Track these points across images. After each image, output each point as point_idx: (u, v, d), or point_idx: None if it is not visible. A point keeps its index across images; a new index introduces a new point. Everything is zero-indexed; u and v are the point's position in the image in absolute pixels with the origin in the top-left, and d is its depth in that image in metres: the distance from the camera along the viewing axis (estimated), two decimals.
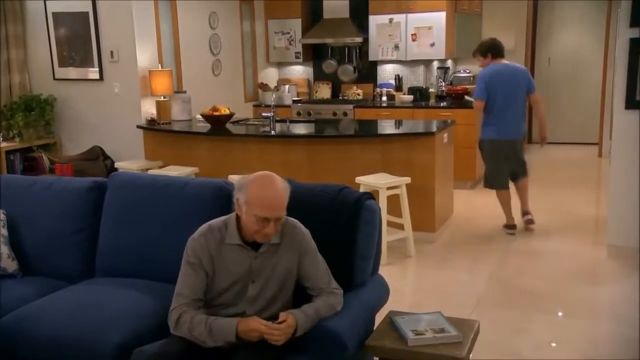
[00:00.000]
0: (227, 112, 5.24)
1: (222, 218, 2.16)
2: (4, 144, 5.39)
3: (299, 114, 7.21)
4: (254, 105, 7.45)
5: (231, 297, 2.11)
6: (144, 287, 2.49)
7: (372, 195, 2.53)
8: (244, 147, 5.12)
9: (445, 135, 4.99)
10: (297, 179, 5.06)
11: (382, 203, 4.29)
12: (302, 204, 2.44)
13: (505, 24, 7.85)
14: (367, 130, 5.47)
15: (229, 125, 5.38)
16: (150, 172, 4.82)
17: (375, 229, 2.46)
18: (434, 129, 4.82)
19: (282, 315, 2.03)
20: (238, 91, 7.09)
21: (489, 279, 4.07)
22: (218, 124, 5.24)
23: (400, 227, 4.52)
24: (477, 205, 5.92)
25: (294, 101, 7.44)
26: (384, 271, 4.13)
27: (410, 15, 6.93)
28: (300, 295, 2.20)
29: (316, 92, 7.91)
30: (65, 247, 2.74)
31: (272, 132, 5.09)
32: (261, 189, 2.03)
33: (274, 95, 5.41)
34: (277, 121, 5.45)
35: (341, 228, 2.37)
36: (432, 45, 6.92)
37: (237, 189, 2.07)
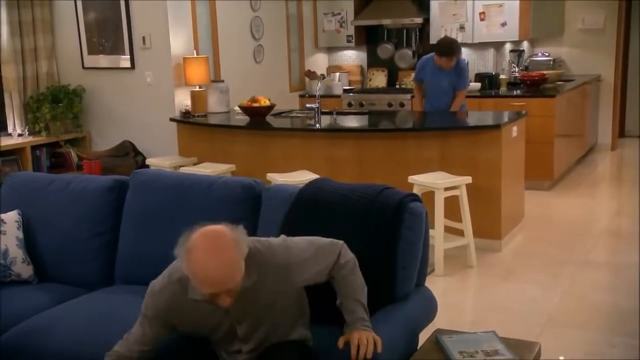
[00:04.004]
0: (268, 103, 5.29)
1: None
2: (29, 139, 5.63)
3: (349, 104, 7.19)
4: (300, 96, 7.48)
5: (221, 337, 2.09)
6: None
7: (417, 197, 2.49)
8: (285, 142, 5.14)
9: (515, 128, 4.86)
10: (344, 177, 5.07)
11: (439, 205, 4.23)
12: (337, 207, 2.44)
13: None
14: (423, 123, 5.40)
15: (269, 118, 5.42)
16: (182, 169, 4.93)
17: (421, 235, 2.42)
18: (501, 122, 4.70)
19: (342, 341, 2.05)
20: (283, 80, 7.15)
21: (563, 294, 3.94)
22: (257, 116, 5.30)
23: (460, 233, 4.44)
24: (553, 209, 5.75)
25: (344, 90, 7.43)
26: (439, 283, 4.13)
27: None
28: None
29: (370, 80, 7.87)
30: (83, 252, 2.83)
31: (317, 126, 5.10)
32: (200, 262, 1.83)
33: (319, 84, 5.41)
34: (323, 113, 5.44)
35: (380, 234, 2.34)
36: (504, 25, 6.76)
37: (178, 250, 1.91)
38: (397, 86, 7.54)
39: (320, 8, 7.64)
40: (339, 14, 7.55)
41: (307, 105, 5.34)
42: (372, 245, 2.33)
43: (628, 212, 5.45)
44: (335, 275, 2.11)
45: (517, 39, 6.89)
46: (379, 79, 7.81)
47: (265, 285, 2.00)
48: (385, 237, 2.34)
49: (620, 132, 8.52)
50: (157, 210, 2.74)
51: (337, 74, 7.69)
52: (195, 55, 5.63)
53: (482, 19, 6.84)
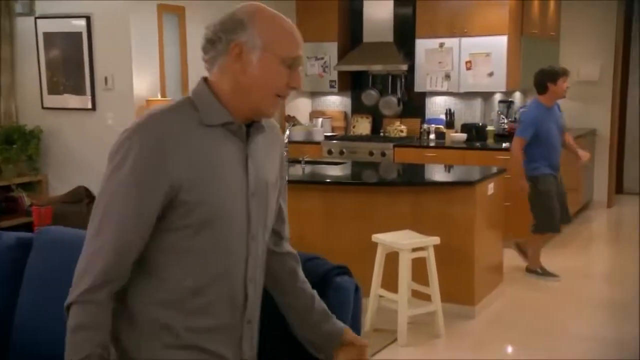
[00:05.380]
0: None
1: (174, 103, 1.59)
2: None
3: (329, 152, 7.01)
4: None
5: (236, 238, 1.58)
6: None
7: (345, 269, 2.24)
8: None
9: (492, 185, 4.63)
10: (310, 233, 4.83)
11: (404, 267, 3.98)
12: None
13: (589, 49, 7.45)
14: (394, 177, 5.20)
15: None
16: None
17: (347, 313, 2.17)
18: (475, 178, 4.48)
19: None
20: None
21: None
22: None
23: (429, 298, 4.17)
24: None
25: (325, 137, 7.26)
26: (402, 354, 3.85)
27: (464, 40, 6.66)
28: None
29: (354, 126, 7.70)
30: None
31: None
32: (280, 18, 1.56)
33: (287, 131, 5.23)
34: (291, 162, 5.28)
35: None
36: (491, 74, 6.61)
37: (229, 29, 1.51)
38: (382, 134, 7.37)
39: (303, 51, 7.50)
40: (322, 58, 7.44)
41: None
42: None
43: (621, 279, 5.17)
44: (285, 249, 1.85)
45: (504, 89, 6.72)
46: (363, 125, 7.64)
47: (271, 150, 1.69)
48: None
49: (618, 188, 8.28)
50: (63, 273, 2.48)
51: (320, 119, 7.54)
52: (159, 97, 5.47)
53: (468, 68, 6.70)
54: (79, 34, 5.46)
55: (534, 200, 5.23)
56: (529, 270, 5.32)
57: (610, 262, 5.70)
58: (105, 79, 5.47)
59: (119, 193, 1.47)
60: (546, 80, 5.13)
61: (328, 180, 4.92)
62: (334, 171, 5.33)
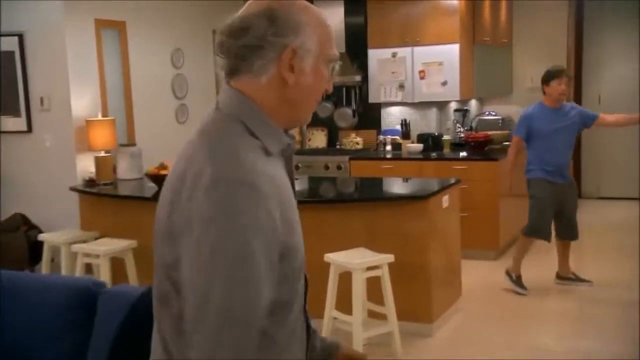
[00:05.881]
0: None
1: (222, 129, 1.28)
2: None
3: None
4: None
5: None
6: None
7: None
8: None
9: (446, 198, 4.53)
10: None
11: (357, 287, 3.84)
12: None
13: (542, 55, 7.46)
14: (346, 193, 5.07)
15: None
16: (74, 247, 4.53)
17: None
18: (428, 192, 4.38)
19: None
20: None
21: None
22: None
23: (386, 317, 4.04)
24: (499, 283, 5.37)
25: None
26: None
27: (416, 49, 6.59)
28: None
29: (309, 140, 7.57)
30: None
31: None
32: (320, 11, 1.37)
33: None
34: None
35: None
36: (444, 83, 6.54)
37: (281, 32, 1.27)
38: (338, 146, 7.25)
39: None
40: None
41: None
42: None
43: (585, 290, 5.10)
44: None
45: (458, 98, 6.67)
46: (319, 138, 7.51)
47: None
48: None
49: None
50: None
51: None
52: (99, 118, 5.25)
53: (421, 78, 6.63)
54: (12, 53, 5.22)
55: (529, 201, 5.12)
56: (507, 272, 5.18)
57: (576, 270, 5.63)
58: (41, 99, 5.24)
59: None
60: (542, 81, 5.04)
61: None
62: None
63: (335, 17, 6.92)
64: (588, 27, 8.46)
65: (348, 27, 6.90)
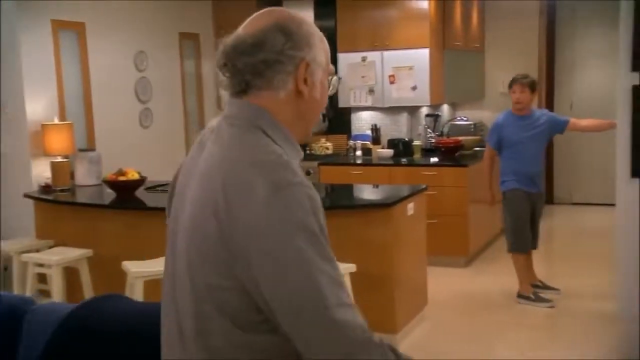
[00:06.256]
0: (137, 176, 4.77)
1: (254, 140, 1.29)
2: None
3: None
4: None
5: None
6: None
7: None
8: (155, 222, 4.58)
9: (412, 205, 4.45)
10: None
11: None
12: (115, 341, 1.91)
13: (514, 60, 7.45)
14: None
15: (141, 193, 4.90)
16: (25, 256, 4.37)
17: None
18: (392, 199, 4.29)
19: None
20: (178, 146, 6.65)
21: None
22: (125, 191, 4.76)
23: None
24: (467, 290, 5.32)
25: None
26: None
27: (386, 53, 6.53)
28: None
29: None
30: None
31: None
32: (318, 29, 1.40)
33: None
34: None
35: None
36: (414, 88, 6.48)
37: (298, 46, 1.30)
38: (307, 151, 7.14)
39: None
40: None
41: None
42: None
43: (556, 296, 5.05)
44: None
45: (429, 103, 6.61)
46: None
47: None
48: None
49: (548, 199, 8.28)
50: None
51: None
52: (56, 122, 5.10)
53: (391, 82, 6.56)
54: None
55: (504, 215, 5.01)
56: (520, 295, 4.97)
57: (542, 277, 5.58)
58: None
59: None
60: (508, 88, 4.95)
61: None
62: None
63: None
64: (560, 32, 8.47)
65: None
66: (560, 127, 5.03)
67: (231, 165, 1.24)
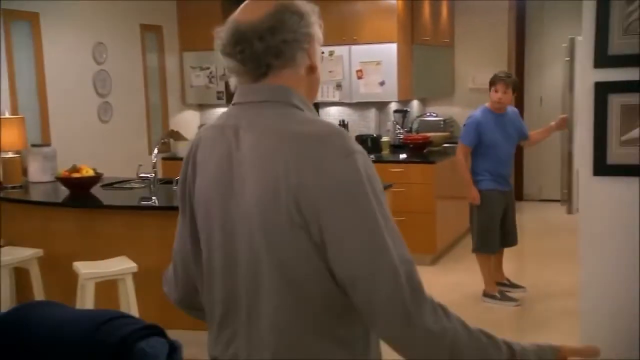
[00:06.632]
0: (91, 172, 4.61)
1: (299, 114, 1.37)
2: None
3: None
4: (163, 159, 6.83)
5: None
6: None
7: (157, 329, 1.86)
8: (110, 221, 4.44)
9: None
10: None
11: None
12: (40, 349, 1.78)
13: (484, 56, 7.41)
14: None
15: (97, 191, 4.74)
16: None
17: None
18: None
19: None
20: (140, 141, 6.48)
21: None
22: (79, 189, 4.60)
23: None
24: (432, 289, 5.22)
25: None
26: None
27: (354, 48, 6.43)
28: None
29: None
30: None
31: (152, 201, 4.47)
32: None
33: (156, 150, 4.79)
34: (164, 182, 4.87)
35: None
36: (382, 83, 6.40)
37: (305, 22, 1.36)
38: None
39: (187, 61, 7.10)
40: (208, 68, 7.04)
41: (141, 174, 4.69)
42: None
43: (522, 295, 5.01)
44: None
45: (397, 99, 6.53)
46: None
47: None
48: None
49: (518, 196, 8.28)
50: None
51: None
52: (7, 116, 4.91)
53: (359, 77, 6.47)
54: None
55: (472, 216, 4.90)
56: (485, 294, 4.92)
57: (510, 275, 5.54)
58: None
59: None
60: (489, 84, 4.83)
61: None
62: None
63: None
64: (529, 28, 8.46)
65: None
66: (524, 137, 5.00)
67: (293, 140, 1.29)
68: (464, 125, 4.93)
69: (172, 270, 1.63)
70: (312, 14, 1.39)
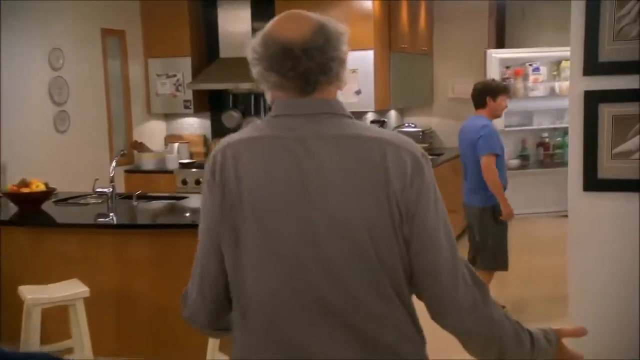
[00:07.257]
0: (42, 187, 4.31)
1: (367, 124, 1.58)
2: None
3: (184, 182, 6.33)
4: (126, 171, 6.54)
5: None
6: None
7: None
8: (63, 240, 4.15)
9: None
10: (140, 284, 4.20)
11: None
12: None
13: (463, 65, 7.26)
14: None
15: (49, 207, 4.44)
16: None
17: None
18: None
19: None
20: (101, 153, 6.16)
21: None
22: (28, 204, 4.29)
23: None
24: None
25: (181, 165, 6.58)
26: None
27: None
28: None
29: None
30: None
31: (109, 218, 4.20)
32: None
33: (114, 163, 4.50)
34: (123, 197, 4.60)
35: None
36: (358, 92, 6.18)
37: (344, 40, 1.48)
38: None
39: (152, 68, 6.81)
40: (175, 75, 6.76)
41: (98, 189, 4.39)
42: None
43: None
44: None
45: (373, 109, 6.32)
46: None
47: None
48: None
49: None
50: None
51: (176, 144, 6.85)
52: None
53: None
54: None
55: (490, 232, 4.55)
56: None
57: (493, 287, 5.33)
58: None
59: None
60: (487, 94, 4.56)
61: (158, 223, 4.24)
62: (174, 210, 4.64)
63: (241, 22, 6.48)
64: (510, 34, 8.34)
65: (255, 31, 6.42)
66: None
67: (376, 146, 1.40)
68: (481, 136, 4.46)
69: (196, 294, 1.55)
70: (345, 32, 1.48)
